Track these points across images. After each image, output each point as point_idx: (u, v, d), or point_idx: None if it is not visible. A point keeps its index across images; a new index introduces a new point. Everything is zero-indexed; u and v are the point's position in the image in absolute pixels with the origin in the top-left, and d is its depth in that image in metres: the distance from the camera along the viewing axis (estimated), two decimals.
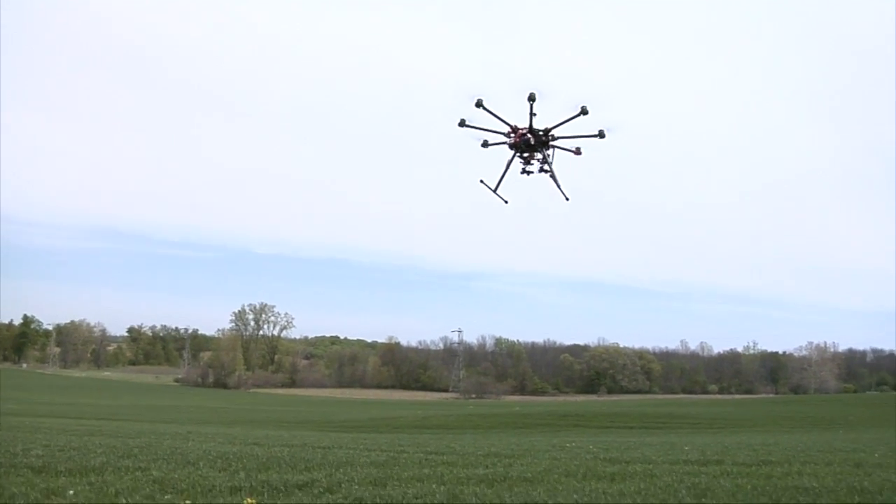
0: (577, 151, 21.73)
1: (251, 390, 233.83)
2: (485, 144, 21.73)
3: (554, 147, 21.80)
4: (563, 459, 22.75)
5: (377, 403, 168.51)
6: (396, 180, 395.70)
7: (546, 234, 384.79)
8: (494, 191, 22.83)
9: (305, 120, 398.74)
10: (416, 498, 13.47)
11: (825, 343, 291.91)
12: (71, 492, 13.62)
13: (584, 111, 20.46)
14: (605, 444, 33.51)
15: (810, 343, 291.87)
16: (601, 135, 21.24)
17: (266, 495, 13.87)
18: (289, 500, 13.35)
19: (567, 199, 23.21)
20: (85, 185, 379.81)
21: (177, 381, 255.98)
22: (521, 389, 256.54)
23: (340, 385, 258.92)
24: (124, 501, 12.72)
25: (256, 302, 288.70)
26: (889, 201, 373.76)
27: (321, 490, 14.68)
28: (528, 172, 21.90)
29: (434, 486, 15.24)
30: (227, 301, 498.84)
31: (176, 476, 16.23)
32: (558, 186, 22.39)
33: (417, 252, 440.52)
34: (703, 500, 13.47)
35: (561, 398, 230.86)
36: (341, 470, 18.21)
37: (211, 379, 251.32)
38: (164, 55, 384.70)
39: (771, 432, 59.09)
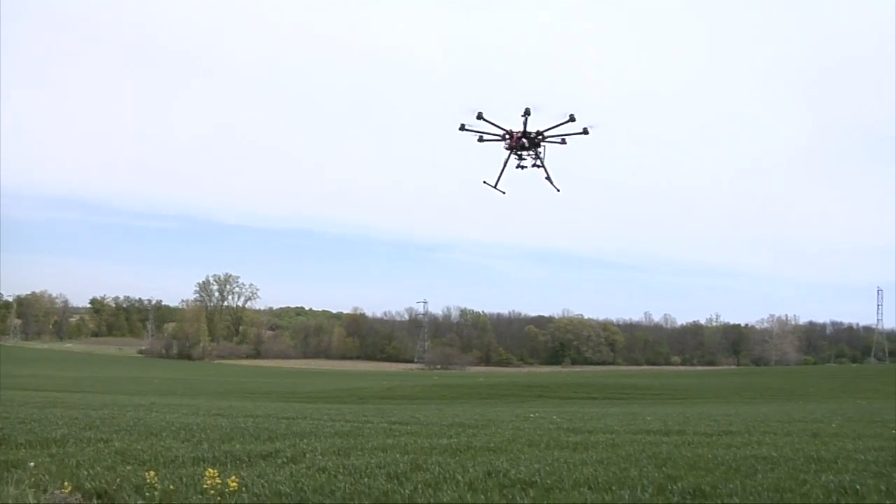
0: (563, 142, 24.19)
1: (216, 361, 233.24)
2: (480, 139, 24.21)
3: (545, 146, 24.23)
4: (527, 429, 22.93)
5: (342, 374, 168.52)
6: (363, 151, 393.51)
7: (512, 205, 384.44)
8: (495, 186, 25.32)
9: (273, 90, 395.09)
10: (380, 467, 13.51)
11: (786, 316, 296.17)
12: (31, 464, 13.50)
13: (571, 118, 23.02)
14: (569, 414, 33.81)
15: (772, 316, 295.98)
16: (585, 131, 23.66)
17: (229, 466, 13.85)
18: (252, 470, 13.32)
19: (558, 190, 25.55)
20: (46, 154, 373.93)
21: (140, 352, 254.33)
22: (485, 360, 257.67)
23: (305, 356, 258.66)
24: (85, 472, 12.63)
25: (221, 273, 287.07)
26: (850, 177, 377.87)
27: (285, 460, 14.70)
28: (523, 167, 24.39)
29: (398, 455, 15.30)
30: (192, 272, 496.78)
31: (138, 447, 16.18)
32: (550, 180, 24.86)
33: (383, 223, 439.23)
34: (663, 468, 13.61)
35: (525, 369, 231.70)
36: (305, 440, 18.25)
37: (175, 350, 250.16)
38: (122, 18, 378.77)
39: (732, 403, 59.88)
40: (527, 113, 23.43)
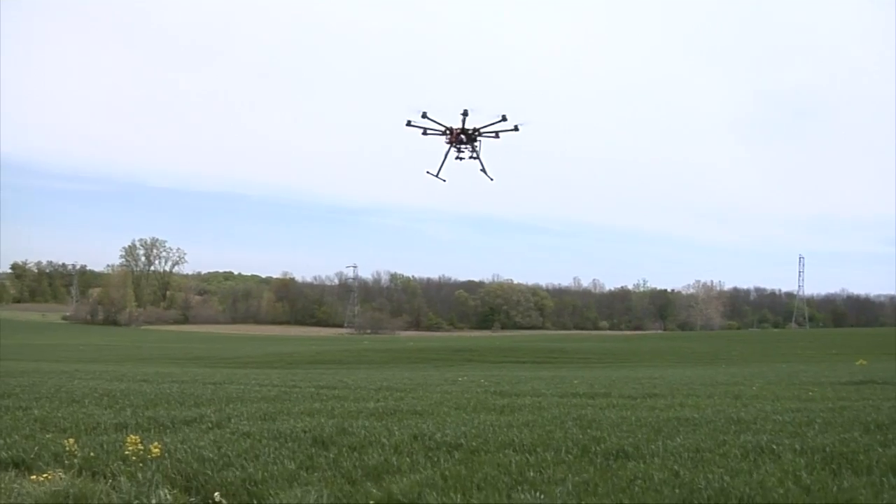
0: (496, 136, 26.82)
1: (143, 327, 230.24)
2: (424, 133, 26.66)
3: (480, 140, 26.84)
4: (455, 393, 23.07)
5: (272, 339, 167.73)
6: (292, 114, 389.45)
7: (443, 171, 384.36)
8: (437, 175, 27.82)
9: (201, 50, 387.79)
10: (305, 431, 13.47)
11: (711, 282, 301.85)
12: None
13: (504, 118, 25.76)
14: (497, 378, 34.06)
15: (697, 282, 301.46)
16: (516, 128, 26.33)
17: (153, 432, 13.71)
18: (176, 436, 13.20)
19: (491, 179, 28.31)
20: None
21: (65, 318, 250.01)
22: (416, 325, 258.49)
23: (234, 321, 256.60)
24: (2, 441, 12.38)
25: (147, 237, 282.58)
26: (775, 146, 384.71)
27: (209, 425, 14.59)
28: (461, 159, 27.04)
29: (324, 419, 15.29)
30: (117, 236, 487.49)
31: (59, 415, 15.92)
32: (484, 171, 27.51)
33: (312, 187, 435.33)
34: (588, 430, 13.79)
35: (455, 334, 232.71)
36: (231, 405, 18.14)
37: (101, 316, 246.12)
38: None
39: (658, 367, 60.91)
40: (465, 113, 26.02)
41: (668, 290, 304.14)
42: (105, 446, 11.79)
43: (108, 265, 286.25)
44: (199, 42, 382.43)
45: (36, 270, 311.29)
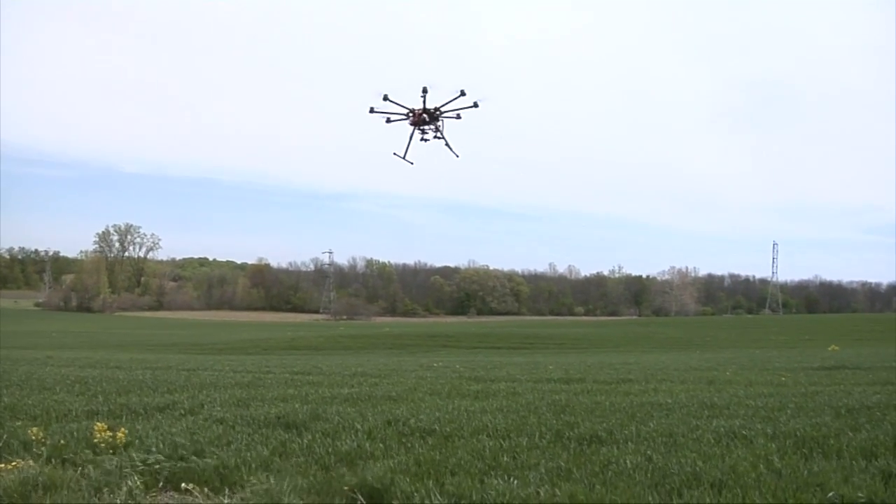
0: (458, 116, 27.10)
1: (117, 314, 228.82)
2: (388, 121, 27.04)
3: (443, 119, 27.08)
4: (430, 379, 23.10)
5: (247, 325, 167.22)
6: (266, 99, 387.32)
7: (418, 157, 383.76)
8: (403, 157, 28.11)
9: (174, 34, 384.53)
10: (279, 417, 13.42)
11: (686, 268, 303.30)
12: None
13: (462, 93, 25.85)
14: (473, 363, 34.16)
15: (672, 268, 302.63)
16: (475, 105, 26.43)
17: (124, 419, 13.60)
18: (148, 423, 13.11)
19: (457, 156, 28.36)
20: None
21: (37, 305, 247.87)
22: (392, 311, 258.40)
23: (209, 307, 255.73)
24: None
25: (121, 222, 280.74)
26: (750, 133, 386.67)
27: (182, 412, 14.51)
28: (426, 140, 27.33)
29: (297, 405, 15.23)
30: (91, 222, 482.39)
31: (29, 402, 15.75)
32: (450, 148, 27.76)
33: (287, 173, 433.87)
34: (562, 416, 13.83)
35: (431, 319, 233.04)
36: (204, 392, 18.06)
37: (74, 303, 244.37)
38: None
39: (632, 352, 61.30)
40: (424, 91, 26.47)
41: (644, 276, 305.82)
42: (76, 434, 11.67)
43: (81, 251, 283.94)
44: (173, 27, 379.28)
45: (8, 257, 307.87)
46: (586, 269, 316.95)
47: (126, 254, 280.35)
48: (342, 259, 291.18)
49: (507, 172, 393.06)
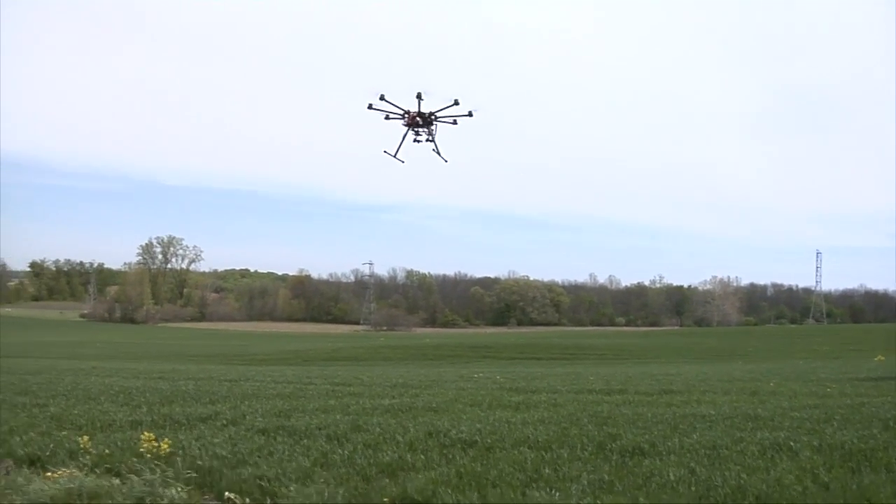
0: (455, 122, 27.83)
1: (159, 324, 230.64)
2: (387, 118, 27.83)
3: (437, 124, 27.86)
4: (470, 390, 23.01)
5: (288, 336, 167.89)
6: (306, 111, 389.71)
7: (457, 166, 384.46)
8: (394, 156, 28.76)
9: (214, 49, 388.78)
10: (320, 428, 13.46)
11: (728, 277, 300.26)
12: None
13: (456, 102, 26.86)
14: (513, 374, 34.01)
15: (714, 277, 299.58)
16: (470, 114, 27.40)
17: (168, 429, 13.72)
18: (191, 433, 13.21)
19: (446, 161, 29.02)
20: None
21: (83, 316, 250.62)
22: (431, 321, 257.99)
23: (251, 318, 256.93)
24: (19, 439, 12.43)
25: (164, 234, 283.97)
26: (792, 141, 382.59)
27: (224, 422, 14.59)
28: (418, 141, 28.11)
29: (338, 416, 15.26)
30: (134, 234, 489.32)
31: (75, 412, 15.96)
32: (438, 153, 28.50)
33: (328, 184, 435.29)
34: (604, 427, 13.72)
35: (471, 330, 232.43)
36: (246, 402, 18.14)
37: (118, 314, 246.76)
38: None
39: (674, 363, 60.71)
40: (419, 96, 27.12)
41: (685, 286, 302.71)
42: (120, 443, 11.82)
43: (125, 263, 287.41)
44: (213, 38, 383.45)
45: (54, 269, 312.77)
46: (627, 280, 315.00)
47: (169, 265, 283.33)
48: (382, 270, 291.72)
49: (547, 182, 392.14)
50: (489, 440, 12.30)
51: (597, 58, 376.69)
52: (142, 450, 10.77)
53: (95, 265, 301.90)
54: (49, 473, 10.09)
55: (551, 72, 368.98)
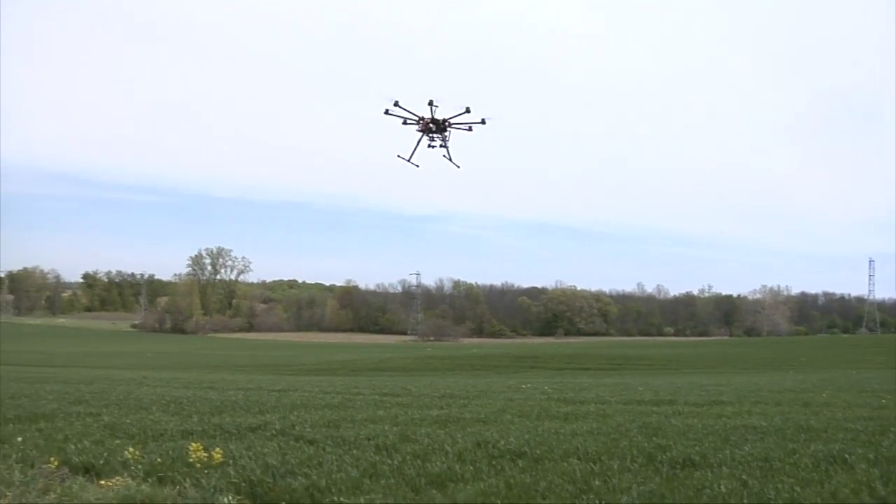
0: (469, 129, 28.70)
1: (209, 335, 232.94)
2: (404, 122, 28.91)
3: (450, 131, 28.87)
4: (518, 400, 22.94)
5: (335, 347, 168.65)
6: (352, 123, 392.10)
7: (504, 176, 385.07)
8: (409, 160, 29.82)
9: (259, 62, 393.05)
10: (369, 439, 13.49)
11: (778, 286, 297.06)
12: (19, 438, 13.51)
13: (467, 110, 27.82)
14: (561, 385, 33.86)
15: (764, 286, 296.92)
16: (482, 121, 28.29)
17: (218, 439, 13.82)
18: (241, 442, 13.30)
19: (458, 167, 30.12)
20: (36, 129, 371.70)
21: (134, 326, 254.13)
22: (479, 332, 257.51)
23: (299, 329, 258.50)
24: (73, 447, 12.60)
25: (213, 246, 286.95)
26: (843, 148, 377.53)
27: (273, 432, 14.67)
28: (433, 147, 29.16)
29: (387, 426, 15.28)
30: (184, 246, 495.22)
31: (127, 421, 16.14)
32: (450, 159, 29.56)
33: (375, 195, 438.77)
34: (654, 438, 13.60)
35: (518, 340, 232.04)
36: (295, 412, 18.23)
37: (168, 324, 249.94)
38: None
39: (724, 373, 60.04)
40: (430, 104, 28.17)
41: (734, 295, 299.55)
42: (171, 453, 11.92)
43: (175, 274, 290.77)
44: (258, 52, 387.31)
45: (106, 280, 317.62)
46: (675, 289, 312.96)
47: (218, 277, 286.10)
48: (429, 280, 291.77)
49: (594, 192, 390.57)
50: (538, 451, 12.24)
51: (642, 64, 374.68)
52: (191, 459, 10.90)
53: (146, 276, 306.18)
54: (103, 482, 10.24)
55: (594, 80, 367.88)
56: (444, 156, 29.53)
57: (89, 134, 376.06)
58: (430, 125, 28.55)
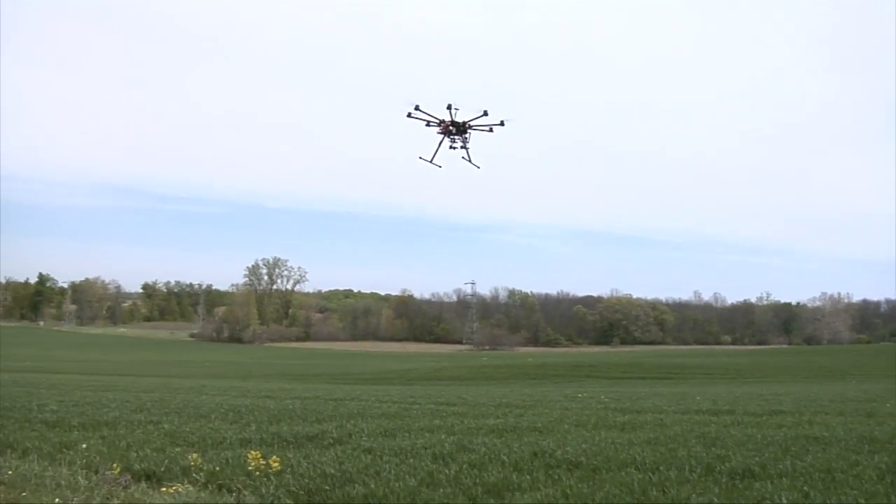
0: (490, 130, 28.59)
1: (265, 344, 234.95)
2: (427, 125, 28.74)
3: (470, 132, 28.80)
4: (575, 409, 22.83)
5: (391, 356, 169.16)
6: (407, 133, 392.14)
7: (558, 185, 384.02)
8: (431, 161, 29.63)
9: (314, 72, 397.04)
10: (425, 448, 13.51)
11: (839, 294, 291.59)
12: (83, 445, 13.78)
13: (485, 113, 28.01)
14: (617, 394, 33.64)
15: (824, 294, 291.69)
16: (502, 123, 28.22)
17: (276, 447, 13.95)
18: (298, 451, 13.40)
19: (478, 167, 29.89)
20: (98, 143, 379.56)
21: (192, 336, 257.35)
22: (534, 341, 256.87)
23: (354, 338, 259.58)
24: (135, 454, 12.82)
25: (270, 256, 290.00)
26: None
27: (331, 441, 14.76)
28: (454, 148, 28.99)
29: (443, 436, 15.30)
30: (241, 256, 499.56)
31: (187, 429, 16.36)
32: (470, 160, 29.38)
33: (429, 204, 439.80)
34: (712, 448, 13.45)
35: (574, 349, 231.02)
36: (352, 421, 18.32)
37: (226, 334, 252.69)
38: (159, 6, 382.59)
39: (783, 383, 59.15)
40: (449, 107, 28.21)
41: (793, 303, 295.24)
42: (230, 461, 12.06)
43: (232, 284, 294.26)
44: (315, 64, 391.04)
45: (165, 290, 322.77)
46: (732, 297, 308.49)
47: (274, 286, 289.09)
48: (484, 289, 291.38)
49: (649, 199, 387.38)
50: (595, 461, 12.18)
51: (693, 70, 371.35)
52: (250, 468, 11.02)
53: (204, 286, 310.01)
54: (164, 488, 10.41)
55: (649, 87, 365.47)
56: (464, 157, 29.72)
57: (150, 147, 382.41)
58: (451, 127, 28.82)
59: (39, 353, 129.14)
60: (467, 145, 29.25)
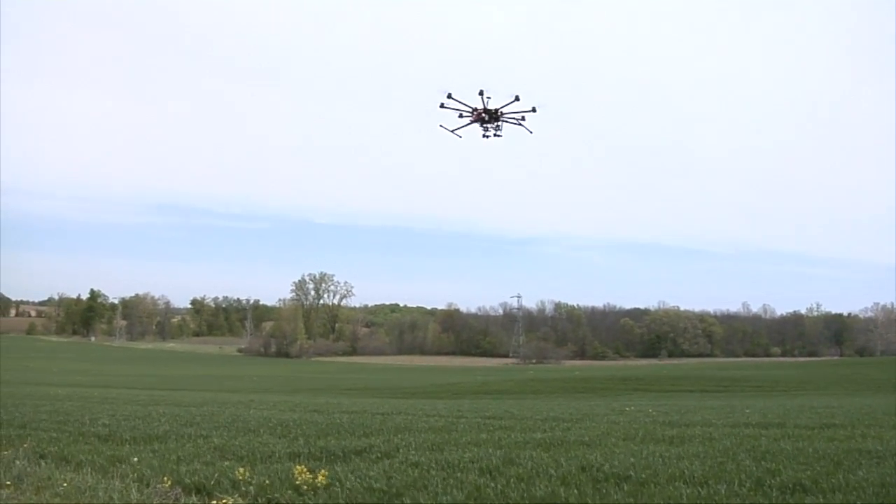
0: (522, 118, 29.07)
1: (313, 359, 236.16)
2: (460, 115, 29.38)
3: (503, 120, 29.28)
4: (622, 423, 22.67)
5: (437, 370, 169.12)
6: (453, 147, 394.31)
7: (604, 197, 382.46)
8: (452, 131, 30.17)
9: (358, 89, 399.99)
10: (473, 462, 13.50)
11: (892, 304, 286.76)
12: (135, 458, 13.98)
13: (517, 98, 28.32)
14: (665, 407, 33.33)
15: (876, 304, 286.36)
16: (533, 109, 28.77)
17: (324, 461, 14.02)
18: (346, 465, 13.46)
19: (531, 132, 29.92)
20: (146, 161, 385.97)
21: (240, 351, 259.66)
22: (581, 354, 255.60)
23: (401, 352, 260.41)
24: (185, 468, 12.96)
25: (316, 271, 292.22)
26: None
27: (378, 455, 14.80)
28: (487, 136, 29.56)
29: (491, 449, 15.27)
30: (288, 271, 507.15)
31: (236, 443, 16.51)
32: (523, 126, 29.45)
33: (475, 218, 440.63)
34: (762, 462, 13.30)
35: (621, 362, 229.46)
36: (399, 435, 18.34)
37: (273, 348, 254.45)
38: (209, 27, 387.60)
39: (835, 395, 58.23)
40: (481, 94, 28.59)
41: (845, 314, 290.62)
42: (279, 475, 12.14)
43: (279, 299, 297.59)
44: (359, 81, 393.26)
45: (213, 305, 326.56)
46: (782, 308, 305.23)
47: (321, 301, 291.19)
48: (531, 303, 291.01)
49: (696, 210, 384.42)
50: (643, 475, 12.09)
51: (740, 80, 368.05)
52: (297, 482, 11.12)
53: (252, 302, 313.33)
54: (214, 502, 10.53)
55: (699, 97, 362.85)
56: (520, 123, 29.81)
57: (199, 165, 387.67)
58: (483, 115, 29.08)
59: (91, 367, 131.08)
60: (500, 133, 29.60)
